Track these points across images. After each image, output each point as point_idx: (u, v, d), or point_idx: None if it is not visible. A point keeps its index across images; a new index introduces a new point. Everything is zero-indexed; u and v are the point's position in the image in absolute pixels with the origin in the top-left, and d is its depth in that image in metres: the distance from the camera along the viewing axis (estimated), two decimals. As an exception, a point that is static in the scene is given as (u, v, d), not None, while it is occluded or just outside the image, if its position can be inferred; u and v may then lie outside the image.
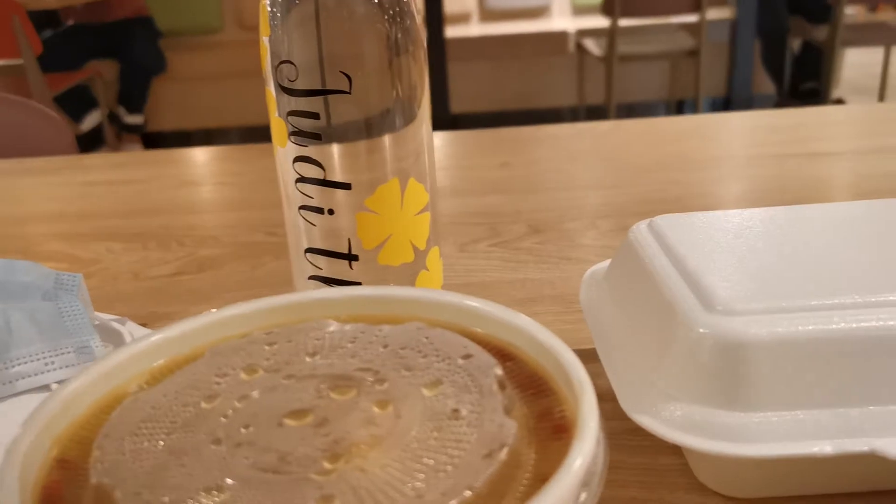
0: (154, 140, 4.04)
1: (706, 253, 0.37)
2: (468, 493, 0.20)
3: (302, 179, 0.42)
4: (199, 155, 1.01)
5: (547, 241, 0.64)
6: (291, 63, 0.39)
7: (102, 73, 3.56)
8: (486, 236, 0.66)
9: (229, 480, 0.21)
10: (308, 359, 0.27)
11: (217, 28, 4.12)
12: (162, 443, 0.23)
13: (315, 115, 0.40)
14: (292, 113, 0.41)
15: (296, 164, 0.42)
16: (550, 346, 0.26)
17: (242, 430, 0.23)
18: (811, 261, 0.35)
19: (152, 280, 0.61)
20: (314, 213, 0.42)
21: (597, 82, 3.88)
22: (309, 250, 0.44)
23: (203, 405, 0.25)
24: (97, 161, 0.97)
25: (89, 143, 3.60)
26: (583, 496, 0.21)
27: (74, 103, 3.51)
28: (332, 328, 0.29)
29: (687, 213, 0.41)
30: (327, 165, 0.41)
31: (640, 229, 0.41)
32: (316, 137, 0.41)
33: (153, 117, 4.05)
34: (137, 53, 3.77)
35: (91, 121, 3.63)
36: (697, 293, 0.33)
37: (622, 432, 0.39)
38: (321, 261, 0.43)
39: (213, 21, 4.13)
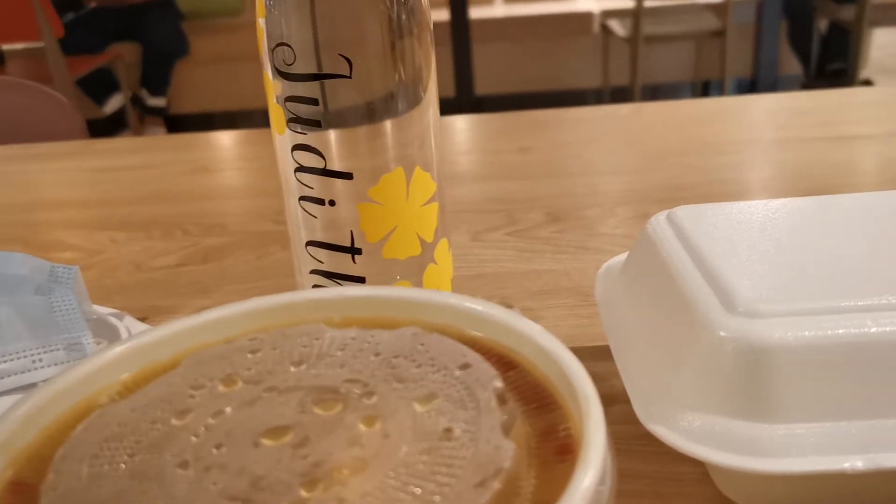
0: (177, 122, 4.03)
1: (728, 248, 0.34)
2: None
3: (301, 169, 0.40)
4: (211, 139, 0.99)
5: (564, 230, 0.62)
6: (288, 46, 0.37)
7: (124, 56, 3.56)
8: (502, 224, 0.64)
9: None
10: (293, 368, 0.25)
11: (238, 10, 4.10)
12: (124, 466, 0.21)
13: (314, 101, 0.38)
14: (290, 99, 0.38)
15: (294, 152, 0.40)
16: (556, 355, 0.23)
17: (214, 451, 0.21)
18: (842, 257, 0.33)
19: (154, 271, 0.59)
20: (314, 205, 0.40)
21: (621, 63, 3.82)
22: (310, 243, 0.42)
23: (173, 422, 0.23)
24: (105, 146, 0.95)
25: (112, 126, 3.60)
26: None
27: (97, 86, 3.51)
28: (321, 334, 0.27)
29: (708, 205, 0.39)
30: (327, 154, 0.39)
31: (659, 221, 0.38)
32: (315, 124, 0.38)
33: (176, 100, 4.05)
34: (159, 36, 3.77)
35: (114, 104, 3.63)
36: (718, 292, 0.31)
37: (636, 437, 0.37)
38: (322, 254, 0.41)
39: (234, 3, 4.11)
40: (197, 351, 0.27)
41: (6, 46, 3.48)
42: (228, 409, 0.23)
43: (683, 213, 0.38)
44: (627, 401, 0.38)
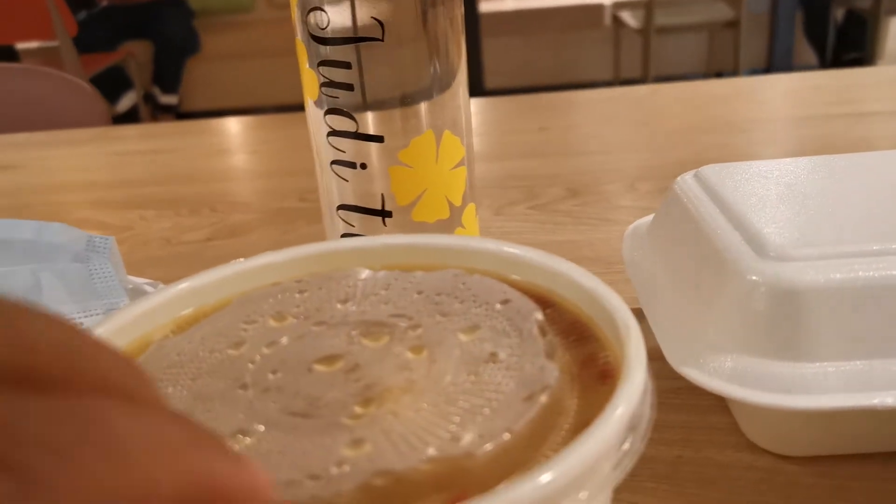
0: (189, 120, 4.05)
1: (756, 201, 0.35)
2: (507, 436, 0.19)
3: (334, 133, 0.41)
4: (230, 124, 1.00)
5: (585, 204, 0.63)
6: (322, 10, 0.38)
7: (136, 54, 3.58)
8: (524, 199, 0.65)
9: (257, 425, 0.20)
10: (339, 306, 0.26)
11: (249, 6, 4.11)
12: (187, 389, 0.22)
13: (346, 65, 0.39)
14: (323, 63, 0.39)
15: (327, 116, 0.40)
16: (593, 289, 0.24)
17: (270, 376, 0.22)
18: (867, 206, 0.34)
19: (184, 245, 0.60)
20: (346, 168, 0.41)
21: (633, 55, 3.81)
22: (341, 207, 0.42)
23: (230, 352, 0.24)
24: (128, 132, 0.97)
25: (125, 123, 3.62)
26: (627, 443, 0.19)
27: (109, 84, 3.53)
28: (364, 275, 0.28)
29: (734, 163, 0.40)
30: (359, 118, 0.40)
31: (686, 180, 0.39)
32: (348, 88, 0.39)
33: (188, 97, 4.06)
34: (171, 33, 3.78)
35: (126, 102, 3.65)
36: (748, 240, 0.32)
37: (668, 391, 0.38)
38: (354, 218, 0.42)
39: (245, 0, 4.12)
40: (245, 293, 0.27)
41: (21, 45, 3.50)
42: (282, 341, 0.24)
43: (710, 171, 0.39)
44: (659, 358, 0.39)
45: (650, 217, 0.42)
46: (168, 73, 3.85)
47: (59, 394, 0.13)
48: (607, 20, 4.08)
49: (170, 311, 0.27)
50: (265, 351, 0.23)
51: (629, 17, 3.71)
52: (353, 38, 0.38)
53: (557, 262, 0.26)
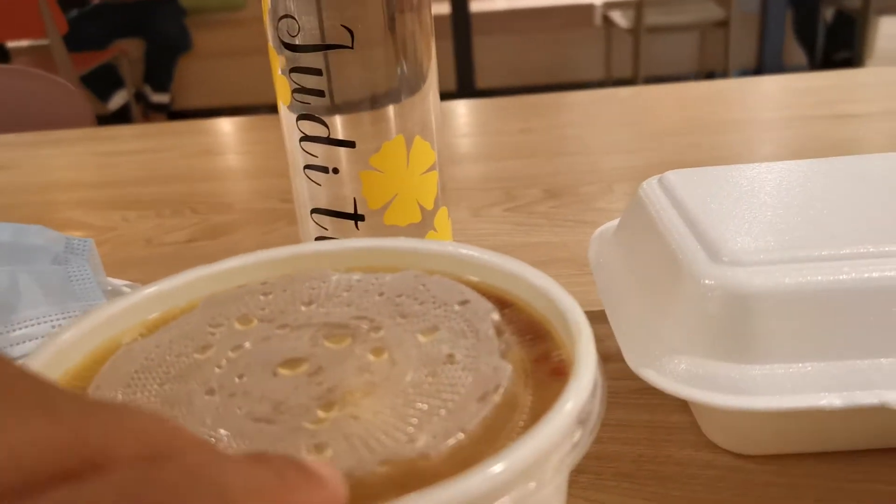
0: (180, 118, 4.05)
1: (716, 206, 0.36)
2: (461, 436, 0.20)
3: (306, 138, 0.41)
4: (215, 125, 1.01)
5: (562, 206, 0.64)
6: (292, 17, 0.39)
7: (128, 52, 3.58)
8: (501, 201, 0.66)
9: (223, 431, 0.21)
10: (303, 308, 0.27)
11: (240, 5, 4.11)
12: (155, 393, 0.23)
13: (317, 72, 0.39)
14: (294, 70, 0.40)
15: (299, 122, 0.41)
16: (547, 290, 0.25)
17: (237, 380, 0.23)
18: (822, 213, 0.34)
19: (166, 246, 0.61)
20: (319, 173, 0.42)
21: (624, 55, 3.82)
22: (315, 210, 0.43)
23: (196, 356, 0.24)
24: (114, 132, 0.97)
25: (116, 122, 3.62)
26: (577, 435, 0.20)
27: (101, 83, 3.53)
28: (327, 277, 0.28)
29: (699, 168, 0.41)
30: (331, 123, 0.41)
31: (651, 185, 0.40)
32: (319, 94, 0.40)
33: (179, 95, 4.06)
34: (162, 32, 3.78)
35: (118, 100, 3.65)
36: (704, 245, 0.33)
37: (630, 392, 0.39)
38: (327, 221, 0.43)
39: (237, -2, 4.12)
40: (211, 296, 0.28)
41: (11, 43, 3.50)
42: (246, 344, 0.25)
43: (675, 176, 0.39)
44: (620, 360, 0.40)
45: (616, 221, 0.43)
46: (160, 71, 3.85)
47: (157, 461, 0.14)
48: (598, 20, 4.09)
49: (139, 314, 0.27)
50: (231, 355, 0.24)
51: (619, 17, 3.72)
52: (323, 46, 0.38)
53: (513, 263, 0.27)
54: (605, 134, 0.84)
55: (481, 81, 3.98)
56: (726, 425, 0.33)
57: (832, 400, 0.28)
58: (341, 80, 0.40)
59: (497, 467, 0.17)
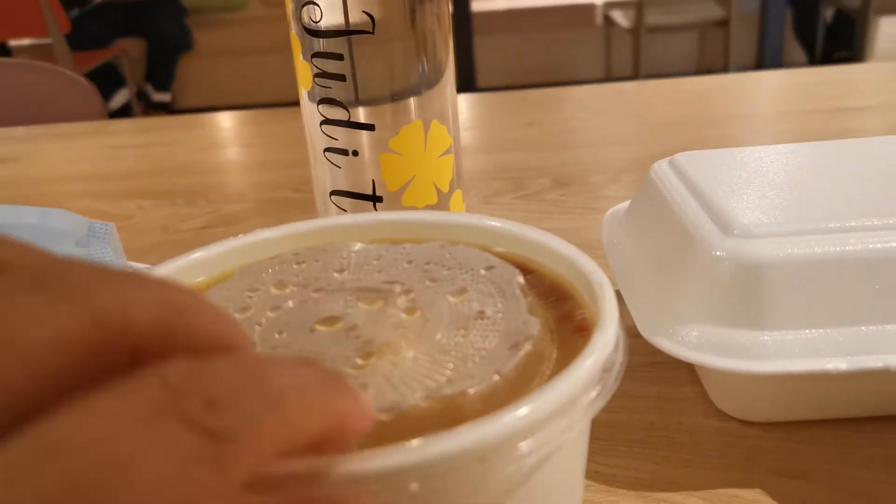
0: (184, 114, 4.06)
1: (726, 185, 0.37)
2: (496, 378, 0.21)
3: (327, 121, 0.43)
4: (223, 119, 1.02)
5: (571, 194, 0.65)
6: (315, 4, 0.40)
7: (129, 52, 3.59)
8: (511, 189, 0.67)
9: None
10: (336, 275, 0.28)
11: (242, 4, 4.12)
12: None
13: (339, 56, 0.41)
14: (316, 55, 0.41)
15: (320, 105, 0.43)
16: (569, 255, 0.27)
17: (276, 336, 0.24)
18: (828, 190, 0.36)
19: (181, 233, 0.62)
20: (339, 155, 0.43)
21: (624, 55, 3.84)
22: (334, 193, 0.44)
23: (237, 315, 0.26)
24: (125, 126, 0.99)
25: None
26: (602, 382, 0.22)
27: (102, 82, 3.52)
28: (356, 248, 0.30)
29: (708, 150, 0.42)
30: (351, 107, 0.42)
31: (661, 166, 0.41)
32: (340, 79, 0.41)
33: (180, 95, 4.07)
34: (164, 31, 3.80)
35: (119, 99, 3.66)
36: (715, 220, 0.34)
37: (642, 365, 0.40)
38: (346, 203, 0.44)
39: (239, -3, 4.14)
40: (245, 266, 0.29)
41: (13, 42, 3.51)
42: (284, 305, 0.26)
43: (685, 158, 0.41)
44: (634, 334, 0.41)
45: (627, 203, 0.44)
46: (161, 70, 3.86)
47: (210, 354, 0.15)
48: (598, 19, 4.11)
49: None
50: (270, 315, 0.26)
51: (620, 17, 3.74)
52: (345, 31, 0.40)
53: (536, 232, 0.29)
54: (609, 127, 0.85)
55: (482, 81, 4.00)
56: (735, 393, 0.34)
57: (838, 364, 0.29)
58: (363, 66, 0.41)
59: (533, 405, 0.19)
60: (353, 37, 0.40)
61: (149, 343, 0.14)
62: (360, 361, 0.22)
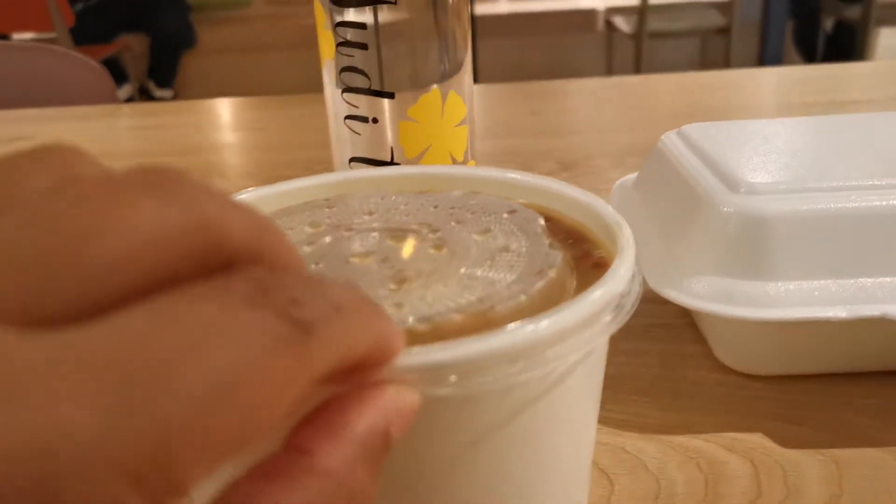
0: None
1: (732, 151, 0.39)
2: (523, 297, 0.23)
3: (348, 89, 0.44)
4: (234, 104, 1.04)
5: (576, 176, 0.67)
6: (341, -26, 0.42)
7: (132, 47, 3.60)
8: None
9: None
10: (366, 217, 0.30)
11: (245, 2, 4.15)
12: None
13: (362, 26, 0.43)
14: (340, 24, 0.43)
15: (342, 74, 0.44)
16: (587, 201, 0.28)
17: (313, 266, 0.26)
18: (830, 155, 0.38)
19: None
20: (359, 123, 0.45)
21: (625, 60, 3.86)
22: (353, 159, 0.46)
23: (273, 248, 0.27)
24: (137, 109, 1.00)
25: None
26: (619, 306, 0.23)
27: (106, 76, 3.55)
28: (385, 195, 0.31)
29: (715, 122, 0.44)
30: (372, 75, 0.44)
31: (670, 137, 0.43)
32: (362, 48, 0.43)
33: (183, 91, 4.09)
34: (167, 27, 3.81)
35: (121, 94, 3.67)
36: (723, 180, 0.36)
37: (649, 326, 0.42)
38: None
39: (243, -5, 4.16)
40: (280, 209, 0.31)
41: (17, 36, 3.52)
42: (318, 242, 0.28)
43: (693, 128, 0.43)
44: (644, 300, 0.43)
45: (635, 175, 0.46)
46: (164, 67, 3.88)
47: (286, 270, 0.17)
48: (600, 25, 4.13)
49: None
50: (306, 249, 0.27)
51: (622, 23, 3.76)
52: (369, 1, 0.41)
53: (554, 182, 0.30)
54: (612, 116, 0.87)
55: (483, 83, 4.00)
56: (738, 346, 0.36)
57: (837, 312, 0.31)
58: (385, 34, 0.43)
59: (558, 316, 0.21)
60: (376, 6, 0.42)
61: (240, 256, 0.16)
62: (393, 286, 0.24)
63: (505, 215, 0.29)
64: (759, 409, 0.35)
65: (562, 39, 4.21)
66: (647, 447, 0.33)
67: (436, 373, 0.20)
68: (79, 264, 0.14)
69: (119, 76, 3.62)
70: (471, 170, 0.33)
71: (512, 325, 0.20)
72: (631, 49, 3.67)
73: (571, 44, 4.22)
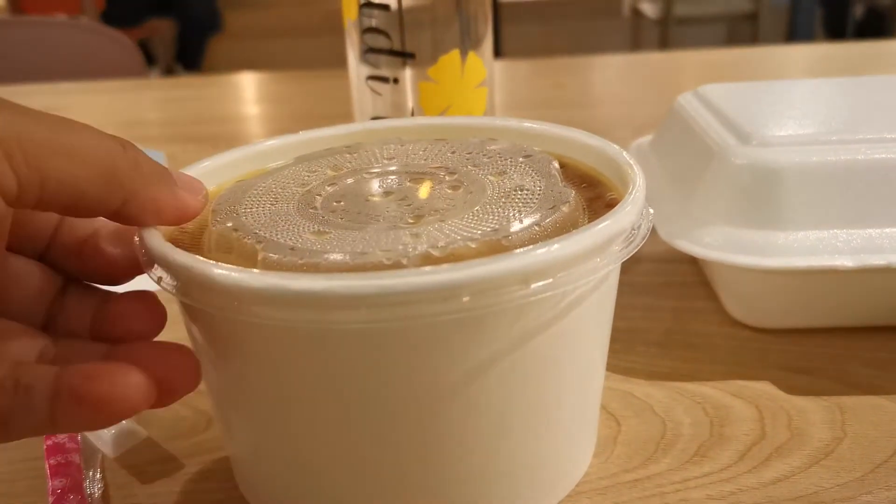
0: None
1: (747, 108, 0.39)
2: (536, 228, 0.24)
3: (370, 50, 0.45)
4: (260, 78, 1.05)
5: (596, 146, 0.67)
6: (364, -65, 0.43)
7: (161, 31, 3.63)
8: (538, 142, 0.69)
9: (330, 228, 0.25)
10: (386, 161, 0.31)
11: (273, -14, 4.16)
12: (268, 210, 0.27)
13: (385, -14, 0.43)
14: (364, -15, 0.44)
15: (365, 35, 0.45)
16: (599, 145, 0.29)
17: (335, 203, 0.27)
18: (842, 112, 0.38)
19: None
20: (380, 83, 0.46)
21: (651, 46, 3.84)
22: (374, 119, 0.47)
23: (299, 189, 0.28)
24: (166, 83, 1.02)
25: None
26: (628, 237, 0.24)
27: (134, 59, 3.58)
28: (404, 142, 0.32)
29: (732, 83, 0.44)
30: (394, 35, 0.45)
31: (686, 97, 0.44)
32: (384, 8, 0.44)
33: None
34: (194, 11, 3.83)
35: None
36: (736, 134, 0.36)
37: (660, 285, 0.43)
38: (386, 129, 0.47)
39: (269, -21, 4.17)
40: (303, 155, 0.32)
41: (49, 19, 3.56)
42: (340, 182, 0.29)
43: (709, 89, 0.43)
44: (652, 259, 0.44)
45: (651, 136, 0.47)
46: (190, 51, 3.90)
47: None
48: (626, 10, 4.10)
49: (234, 170, 0.32)
50: (328, 189, 0.28)
51: (648, 8, 3.73)
52: (393, -40, 0.42)
53: (568, 130, 0.31)
54: (635, 90, 0.87)
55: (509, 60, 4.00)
56: (748, 298, 0.37)
57: (844, 261, 0.32)
58: (406, -6, 0.43)
59: (570, 240, 0.22)
60: (398, -33, 0.43)
61: None
62: (411, 220, 0.25)
63: (521, 159, 0.29)
64: (768, 360, 0.36)
65: (587, 25, 4.18)
66: (655, 392, 0.34)
67: (448, 292, 0.21)
68: None
69: (148, 60, 3.65)
70: (487, 119, 0.34)
71: (523, 249, 0.21)
72: (657, 35, 3.65)
73: (597, 30, 4.20)
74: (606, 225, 0.23)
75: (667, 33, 3.51)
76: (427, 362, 0.23)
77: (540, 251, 0.21)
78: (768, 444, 0.31)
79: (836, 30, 3.89)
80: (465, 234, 0.24)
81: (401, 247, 0.23)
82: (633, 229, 0.24)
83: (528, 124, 0.33)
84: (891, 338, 0.36)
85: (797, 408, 0.32)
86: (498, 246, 0.23)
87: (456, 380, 0.23)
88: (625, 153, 0.28)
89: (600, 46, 4.19)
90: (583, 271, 0.22)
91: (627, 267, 0.28)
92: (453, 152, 0.31)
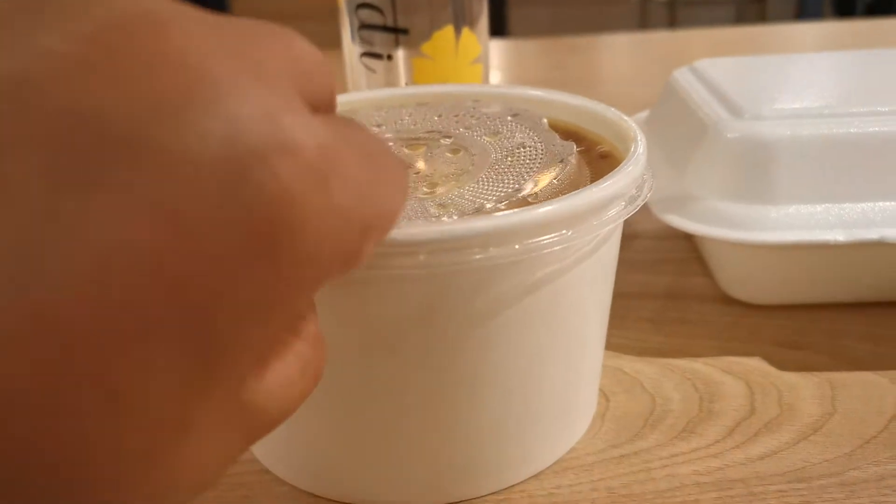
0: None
1: (742, 82, 0.39)
2: (556, 182, 0.24)
3: (364, 26, 0.45)
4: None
5: (596, 125, 0.67)
6: None
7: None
8: (538, 121, 0.69)
9: None
10: (375, 129, 0.30)
11: (280, -30, 4.15)
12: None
13: (377, -39, 0.43)
14: (356, -40, 0.43)
15: (359, 11, 0.45)
16: (580, 104, 0.30)
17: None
18: (836, 85, 0.38)
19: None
20: (374, 60, 0.45)
21: (660, 28, 3.81)
22: (368, 96, 0.47)
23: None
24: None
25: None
26: (633, 195, 0.24)
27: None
28: (385, 111, 0.32)
29: (728, 57, 0.44)
30: (387, 11, 0.44)
31: (682, 71, 0.43)
32: (377, -17, 0.44)
33: (217, 59, 4.11)
34: (201, -4, 3.83)
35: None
36: (728, 107, 0.36)
37: (654, 262, 0.42)
38: (380, 106, 0.47)
39: (277, -37, 4.16)
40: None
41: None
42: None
43: (706, 63, 0.43)
44: (648, 236, 0.44)
45: (646, 112, 0.46)
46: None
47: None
48: (635, -7, 4.07)
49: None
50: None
51: (657, -10, 3.70)
52: (385, -66, 0.42)
53: (545, 91, 0.31)
54: (640, 70, 0.86)
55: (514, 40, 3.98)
56: (742, 274, 0.36)
57: (836, 235, 0.31)
58: (399, -32, 0.43)
59: (578, 197, 0.22)
60: (391, -59, 0.42)
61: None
62: (427, 189, 0.25)
63: (509, 118, 0.29)
64: (760, 335, 0.35)
65: (596, 7, 4.15)
66: (644, 368, 0.34)
67: (468, 242, 0.21)
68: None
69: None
70: (472, 86, 0.34)
71: (539, 204, 0.21)
72: (665, 17, 3.62)
73: (606, 12, 4.16)
74: (615, 181, 0.23)
75: (675, 14, 3.48)
76: (434, 307, 0.23)
77: (582, 195, 0.22)
78: (757, 419, 0.30)
79: (846, 12, 3.85)
80: (490, 195, 0.24)
81: (434, 219, 0.23)
82: (638, 186, 0.24)
83: (503, 89, 0.33)
84: (884, 313, 0.36)
85: (788, 383, 0.32)
86: (525, 204, 0.23)
87: (460, 325, 0.23)
88: (614, 109, 0.28)
89: (609, 28, 4.15)
90: (588, 228, 0.22)
91: (623, 244, 0.28)
92: (439, 116, 0.31)
